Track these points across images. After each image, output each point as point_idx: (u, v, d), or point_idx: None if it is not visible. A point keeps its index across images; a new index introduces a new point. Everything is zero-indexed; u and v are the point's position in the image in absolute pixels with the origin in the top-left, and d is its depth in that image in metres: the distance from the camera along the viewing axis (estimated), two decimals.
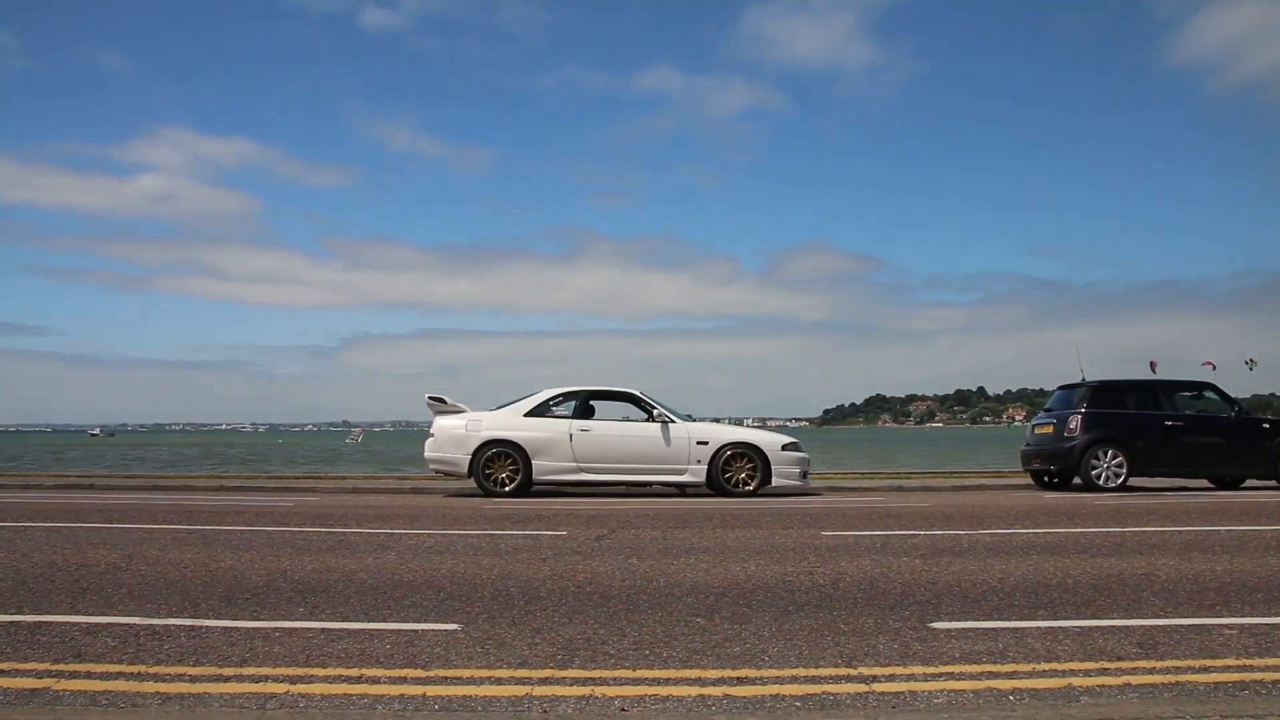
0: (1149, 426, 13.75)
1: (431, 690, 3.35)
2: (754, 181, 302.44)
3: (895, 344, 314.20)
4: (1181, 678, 3.48)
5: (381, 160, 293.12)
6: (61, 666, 3.64)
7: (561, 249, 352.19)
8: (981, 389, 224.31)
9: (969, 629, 4.30)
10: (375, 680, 3.47)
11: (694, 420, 13.26)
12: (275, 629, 4.28)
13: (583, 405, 13.11)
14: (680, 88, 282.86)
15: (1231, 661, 3.71)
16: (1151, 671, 3.57)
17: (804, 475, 12.97)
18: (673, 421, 12.83)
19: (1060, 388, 15.17)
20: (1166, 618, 4.52)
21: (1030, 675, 3.54)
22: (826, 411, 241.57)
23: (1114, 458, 13.48)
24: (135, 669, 3.61)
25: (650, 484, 13.12)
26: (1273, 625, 4.37)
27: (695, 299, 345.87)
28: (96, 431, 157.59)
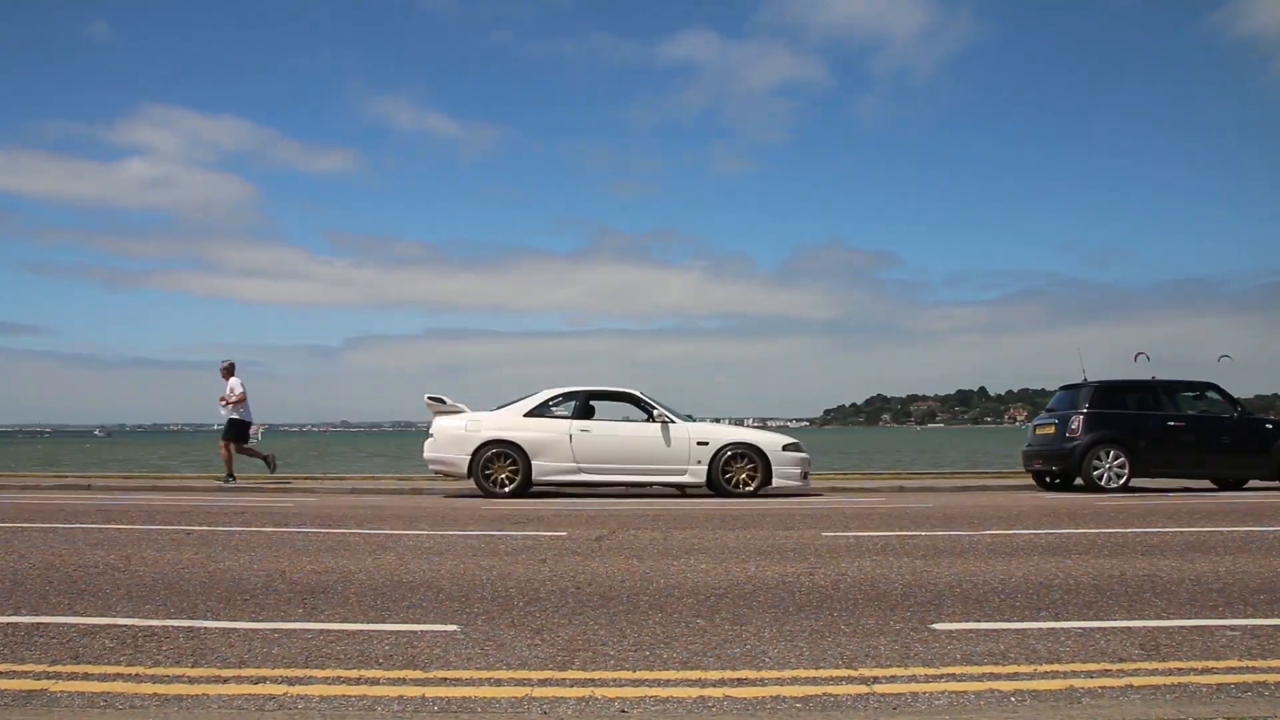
0: (1151, 427, 13.72)
1: (431, 691, 3.33)
2: (780, 167, 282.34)
3: (906, 344, 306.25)
4: (1184, 679, 3.47)
5: (384, 141, 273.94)
6: (59, 668, 3.62)
7: (571, 244, 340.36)
8: (983, 389, 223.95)
9: (970, 630, 4.28)
10: (374, 681, 3.45)
11: (694, 420, 13.24)
12: (274, 630, 4.27)
13: (583, 405, 13.09)
14: (716, 56, 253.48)
15: (1234, 663, 3.70)
16: (1154, 673, 3.56)
17: (805, 476, 12.94)
18: (673, 422, 12.81)
19: (1062, 388, 15.15)
20: (1169, 619, 4.50)
21: (1032, 676, 3.52)
22: (827, 412, 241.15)
23: (1116, 458, 13.45)
24: (133, 670, 3.59)
25: (650, 484, 13.10)
26: (1276, 627, 4.35)
27: (706, 296, 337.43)
28: (98, 432, 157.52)
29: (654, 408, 12.99)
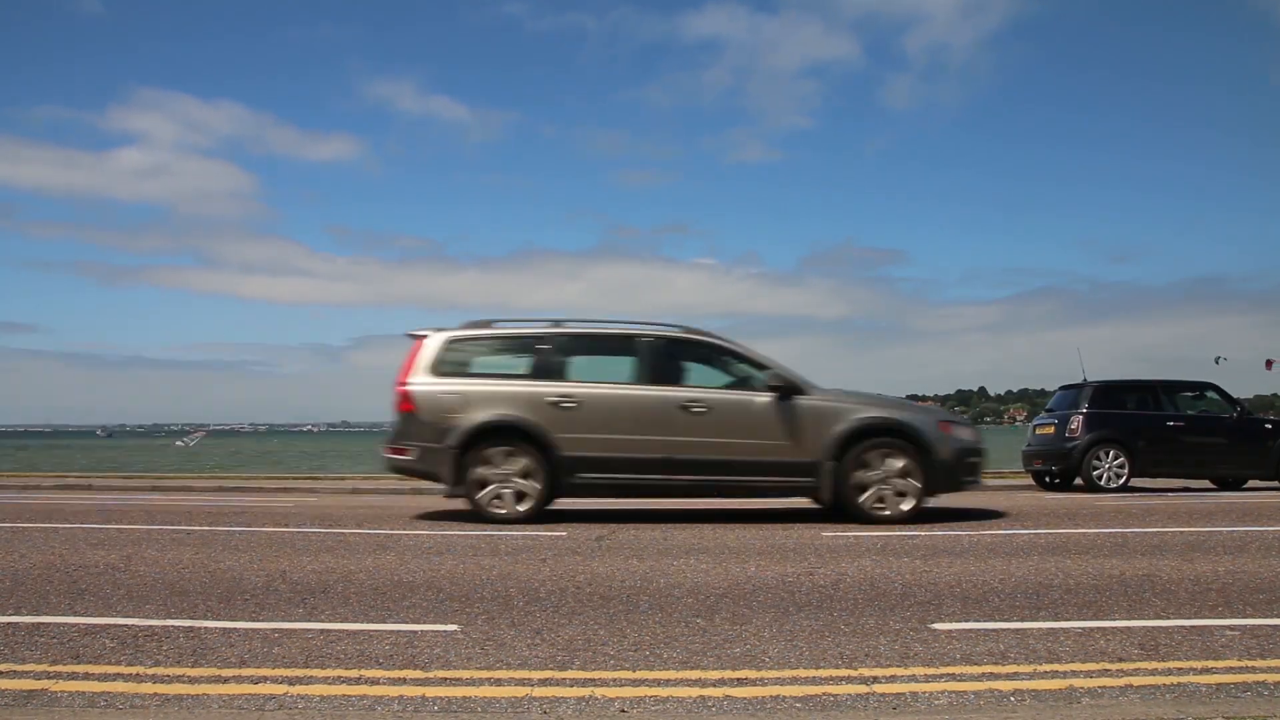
0: (1151, 427, 13.73)
1: (431, 691, 3.34)
2: (801, 156, 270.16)
3: (914, 344, 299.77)
4: (1183, 679, 3.47)
5: (387, 127, 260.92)
6: (59, 668, 3.63)
7: (582, 241, 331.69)
8: (983, 389, 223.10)
9: (970, 630, 4.29)
10: (374, 681, 3.46)
11: None
12: (274, 630, 4.27)
13: None
14: (744, 32, 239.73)
15: (1233, 663, 3.70)
16: (1153, 673, 3.56)
17: None
18: None
19: (1061, 388, 15.17)
20: (1168, 619, 4.50)
21: (1031, 676, 3.53)
22: None
23: (1115, 458, 13.46)
24: (134, 670, 3.60)
25: None
26: (1275, 627, 4.36)
27: (714, 295, 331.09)
28: (99, 433, 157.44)
29: None
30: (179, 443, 78.11)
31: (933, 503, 9.06)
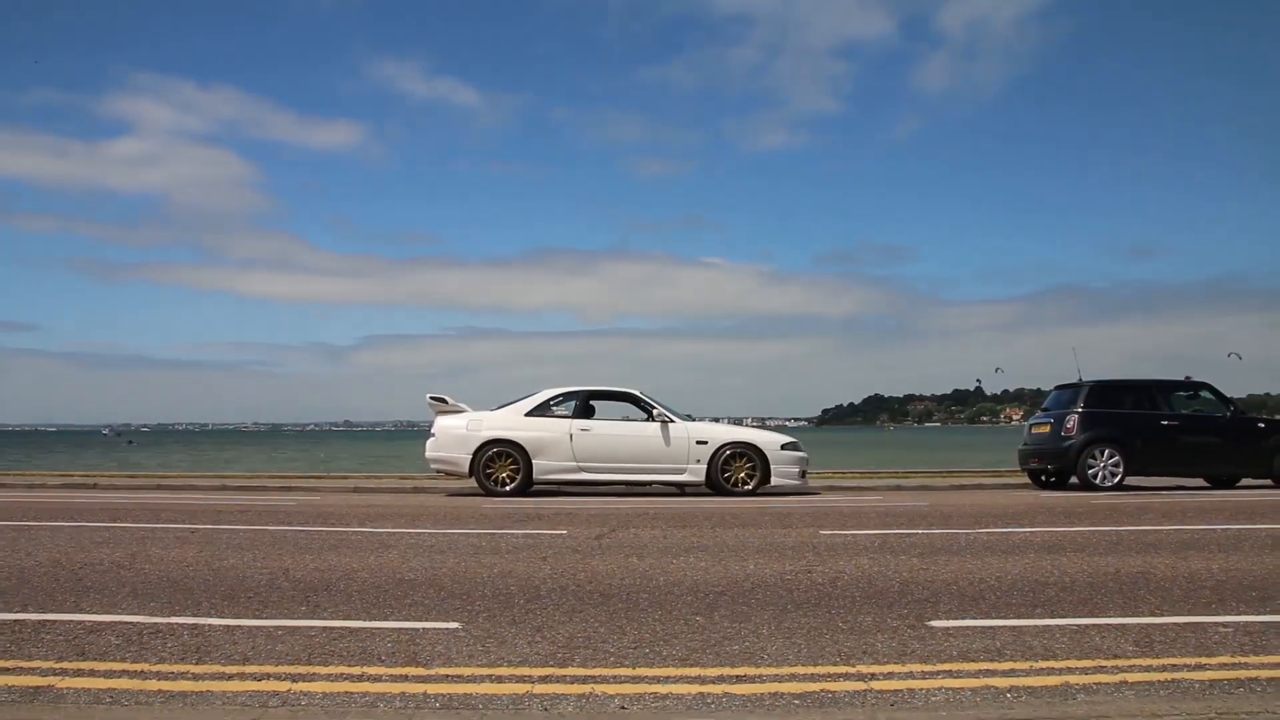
0: (1146, 426, 13.79)
1: (432, 688, 3.37)
2: (822, 145, 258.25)
3: (925, 343, 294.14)
4: (1177, 675, 3.51)
5: (391, 112, 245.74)
6: (65, 665, 3.66)
7: (594, 239, 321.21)
8: (979, 389, 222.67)
9: (967, 627, 4.32)
10: (376, 678, 3.49)
11: (693, 420, 13.29)
12: (277, 627, 4.31)
13: (583, 405, 13.13)
14: (776, 4, 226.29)
15: (1227, 659, 3.74)
16: (1148, 669, 3.60)
17: (803, 474, 13.00)
18: (672, 421, 12.86)
19: (1057, 387, 15.23)
20: (1163, 616, 4.54)
21: (1027, 673, 3.56)
22: (825, 411, 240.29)
23: (1110, 457, 13.51)
24: (138, 667, 3.63)
25: (650, 483, 13.15)
26: (1268, 624, 4.40)
27: (723, 294, 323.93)
28: (105, 432, 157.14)
29: (653, 407, 13.04)
30: (129, 441, 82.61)
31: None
